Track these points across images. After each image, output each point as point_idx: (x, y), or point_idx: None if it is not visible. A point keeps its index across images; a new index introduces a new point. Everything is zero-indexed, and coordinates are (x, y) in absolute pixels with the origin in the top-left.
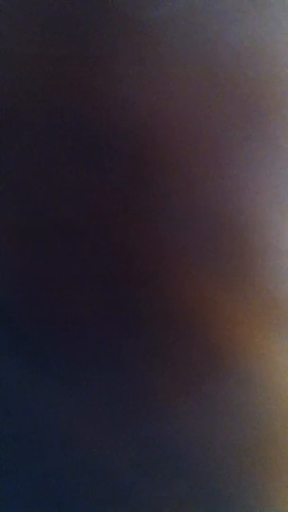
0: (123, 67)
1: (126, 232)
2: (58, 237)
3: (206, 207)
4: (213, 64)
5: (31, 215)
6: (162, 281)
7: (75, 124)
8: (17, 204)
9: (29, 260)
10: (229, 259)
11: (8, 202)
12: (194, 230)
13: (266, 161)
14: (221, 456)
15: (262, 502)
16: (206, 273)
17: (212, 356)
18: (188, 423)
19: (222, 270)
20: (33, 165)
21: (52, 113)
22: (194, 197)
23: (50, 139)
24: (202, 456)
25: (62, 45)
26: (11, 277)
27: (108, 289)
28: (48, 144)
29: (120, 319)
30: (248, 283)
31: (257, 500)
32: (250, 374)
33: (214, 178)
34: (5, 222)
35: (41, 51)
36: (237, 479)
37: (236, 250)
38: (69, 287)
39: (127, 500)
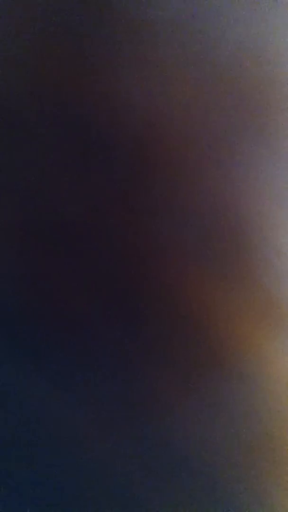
0: (123, 67)
1: (126, 232)
2: (58, 237)
3: (206, 207)
4: (213, 64)
5: (31, 215)
6: (162, 281)
7: (75, 124)
8: (18, 204)
9: (29, 260)
10: (229, 259)
11: (8, 202)
12: (194, 230)
13: (266, 161)
14: (222, 456)
15: (262, 502)
16: (206, 273)
17: (212, 356)
18: (188, 423)
19: (222, 270)
20: (33, 165)
21: (52, 113)
22: (194, 197)
23: (50, 139)
24: (202, 455)
25: (62, 45)
26: (11, 277)
27: (108, 289)
28: (48, 144)
29: (120, 319)
30: (248, 283)
31: (257, 499)
32: (250, 374)
33: (214, 178)
34: (5, 222)
35: (41, 51)
36: (237, 479)
37: (236, 250)
38: (69, 287)
39: (127, 500)
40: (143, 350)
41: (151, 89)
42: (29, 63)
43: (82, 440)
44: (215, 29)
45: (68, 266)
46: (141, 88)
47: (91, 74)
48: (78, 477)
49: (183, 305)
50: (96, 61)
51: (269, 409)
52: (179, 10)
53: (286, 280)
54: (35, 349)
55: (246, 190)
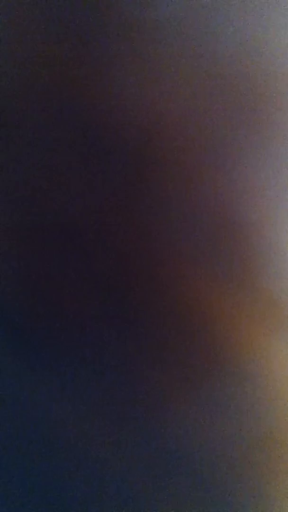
0: (123, 67)
1: (126, 232)
2: (57, 238)
3: (206, 208)
4: (213, 64)
5: (31, 215)
6: (162, 282)
7: (75, 124)
8: (18, 204)
9: (28, 260)
10: (229, 260)
11: (8, 202)
12: (194, 230)
13: (266, 161)
14: (221, 456)
15: (262, 502)
16: (206, 273)
17: (212, 356)
18: (188, 423)
19: (222, 270)
20: (33, 166)
21: (52, 113)
22: (194, 198)
23: (50, 139)
24: (202, 455)
25: (62, 45)
26: (11, 277)
27: (108, 290)
28: (48, 144)
29: (120, 320)
30: (248, 283)
31: (257, 499)
32: (250, 374)
33: (214, 178)
34: (6, 222)
35: (41, 51)
36: (237, 479)
37: (236, 250)
38: (68, 287)
39: (127, 500)
40: (143, 351)
41: (151, 89)
42: (29, 63)
43: (82, 440)
44: (215, 29)
45: (68, 267)
46: (141, 88)
47: (90, 74)
48: (78, 477)
49: (183, 305)
50: (96, 61)
51: (269, 408)
52: (179, 10)
53: (286, 280)
54: (35, 349)
55: (246, 190)
